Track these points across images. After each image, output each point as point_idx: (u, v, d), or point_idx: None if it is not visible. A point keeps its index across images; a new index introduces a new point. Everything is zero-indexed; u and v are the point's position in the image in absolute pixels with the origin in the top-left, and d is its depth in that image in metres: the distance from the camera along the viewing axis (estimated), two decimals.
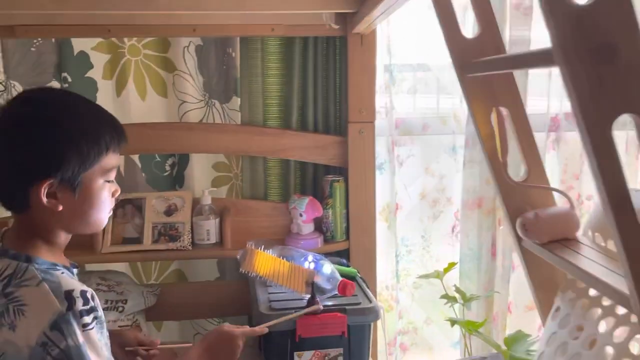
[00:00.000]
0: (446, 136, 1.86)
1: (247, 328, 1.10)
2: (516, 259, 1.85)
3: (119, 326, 1.44)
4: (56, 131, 0.84)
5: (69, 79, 1.56)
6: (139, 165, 1.66)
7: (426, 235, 1.92)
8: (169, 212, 1.57)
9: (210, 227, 1.56)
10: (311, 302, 1.23)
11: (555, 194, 1.03)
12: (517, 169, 1.13)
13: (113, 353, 1.09)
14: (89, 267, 1.63)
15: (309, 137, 1.62)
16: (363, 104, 1.57)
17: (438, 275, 1.71)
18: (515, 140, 1.01)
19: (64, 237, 0.91)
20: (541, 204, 1.01)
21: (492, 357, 1.13)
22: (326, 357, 1.25)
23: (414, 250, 1.92)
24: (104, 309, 1.43)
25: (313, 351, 1.24)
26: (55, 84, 1.58)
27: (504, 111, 0.97)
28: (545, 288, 1.04)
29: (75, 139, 0.84)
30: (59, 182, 0.84)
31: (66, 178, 0.84)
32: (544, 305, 1.05)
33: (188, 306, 1.65)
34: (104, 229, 1.49)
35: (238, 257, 1.39)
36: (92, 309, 0.83)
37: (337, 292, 1.29)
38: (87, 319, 0.82)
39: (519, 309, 1.88)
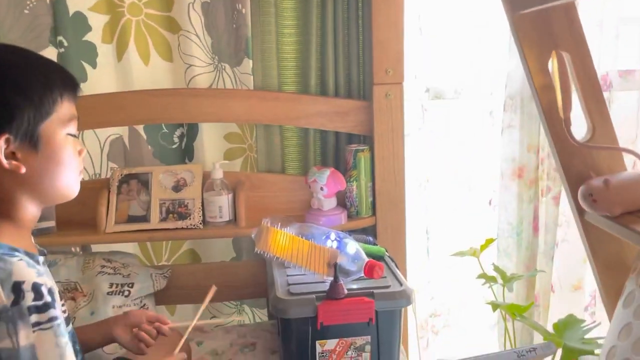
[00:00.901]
0: (482, 100, 1.69)
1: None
2: (560, 234, 1.68)
3: (125, 312, 1.32)
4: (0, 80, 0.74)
5: (65, 43, 1.43)
6: (144, 137, 1.54)
7: (460, 209, 1.76)
8: (177, 187, 1.44)
9: (222, 203, 1.42)
10: (334, 285, 1.09)
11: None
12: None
13: (118, 336, 0.98)
14: (95, 248, 1.52)
15: (329, 102, 1.47)
16: (389, 63, 1.41)
17: (474, 252, 1.57)
18: (577, 92, 0.83)
19: (31, 211, 0.80)
20: (608, 169, 0.84)
21: (543, 347, 0.97)
22: (352, 346, 1.12)
23: (446, 225, 1.76)
24: (107, 293, 1.34)
25: (337, 339, 1.11)
26: (52, 50, 1.44)
27: (566, 56, 0.79)
28: (612, 269, 0.88)
29: (23, 86, 0.75)
30: (16, 137, 0.75)
31: (23, 131, 0.75)
32: (610, 289, 0.89)
33: (201, 289, 1.50)
34: (107, 206, 1.40)
35: (253, 235, 1.25)
36: (47, 306, 0.71)
37: (363, 274, 1.15)
38: (39, 317, 0.70)
39: (563, 290, 1.72)
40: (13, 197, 0.78)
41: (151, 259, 1.62)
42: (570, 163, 0.84)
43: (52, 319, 0.71)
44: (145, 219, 1.40)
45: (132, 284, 1.36)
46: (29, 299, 0.69)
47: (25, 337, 0.68)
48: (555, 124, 0.83)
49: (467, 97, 1.68)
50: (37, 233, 1.36)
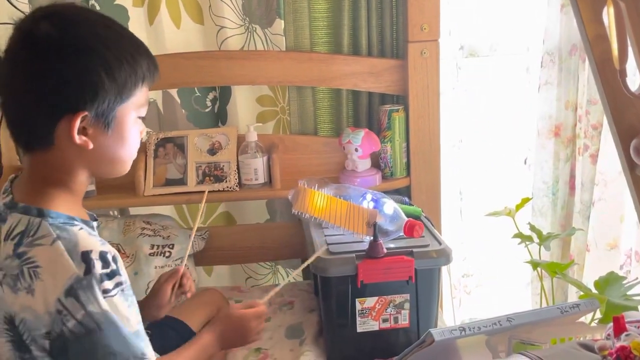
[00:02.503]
0: (518, 56, 1.64)
1: (257, 308, 1.00)
2: (597, 193, 1.65)
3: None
4: (91, 56, 0.73)
5: (97, 7, 1.43)
6: (178, 100, 1.54)
7: (494, 168, 1.74)
8: (212, 150, 1.45)
9: (257, 165, 1.43)
10: (373, 244, 1.10)
11: None
12: None
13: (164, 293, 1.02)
14: (133, 210, 1.55)
15: (362, 62, 1.45)
16: (425, 18, 1.37)
17: (509, 212, 1.55)
18: (630, 43, 0.80)
19: (85, 183, 0.81)
20: None
21: (586, 303, 0.97)
22: (391, 304, 1.13)
23: (479, 186, 1.75)
24: (149, 254, 1.37)
25: (376, 297, 1.13)
26: None
27: (622, 5, 0.76)
28: None
29: (112, 65, 0.73)
30: (92, 115, 0.74)
31: (101, 111, 0.74)
32: None
33: (238, 250, 1.57)
34: (145, 170, 1.42)
35: (289, 197, 1.26)
36: (113, 273, 0.72)
37: (401, 234, 1.16)
38: (108, 284, 0.71)
39: (598, 249, 1.70)
40: (73, 169, 0.77)
41: (188, 221, 1.65)
42: (622, 116, 0.81)
43: (119, 284, 0.73)
44: (182, 181, 1.42)
45: (172, 245, 1.39)
46: (99, 268, 0.71)
47: (100, 304, 0.70)
48: (608, 75, 0.80)
49: (503, 54, 1.63)
50: None
